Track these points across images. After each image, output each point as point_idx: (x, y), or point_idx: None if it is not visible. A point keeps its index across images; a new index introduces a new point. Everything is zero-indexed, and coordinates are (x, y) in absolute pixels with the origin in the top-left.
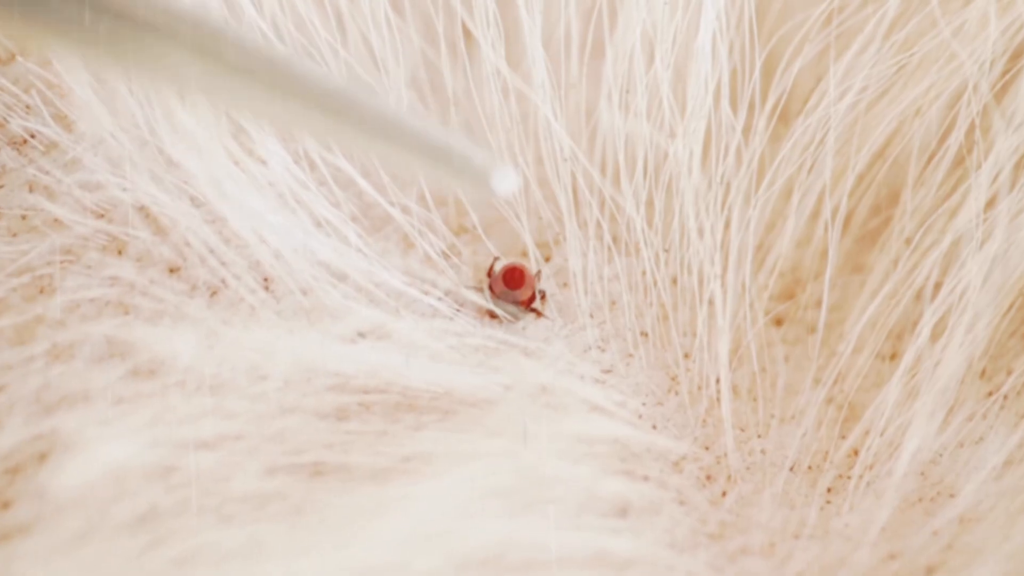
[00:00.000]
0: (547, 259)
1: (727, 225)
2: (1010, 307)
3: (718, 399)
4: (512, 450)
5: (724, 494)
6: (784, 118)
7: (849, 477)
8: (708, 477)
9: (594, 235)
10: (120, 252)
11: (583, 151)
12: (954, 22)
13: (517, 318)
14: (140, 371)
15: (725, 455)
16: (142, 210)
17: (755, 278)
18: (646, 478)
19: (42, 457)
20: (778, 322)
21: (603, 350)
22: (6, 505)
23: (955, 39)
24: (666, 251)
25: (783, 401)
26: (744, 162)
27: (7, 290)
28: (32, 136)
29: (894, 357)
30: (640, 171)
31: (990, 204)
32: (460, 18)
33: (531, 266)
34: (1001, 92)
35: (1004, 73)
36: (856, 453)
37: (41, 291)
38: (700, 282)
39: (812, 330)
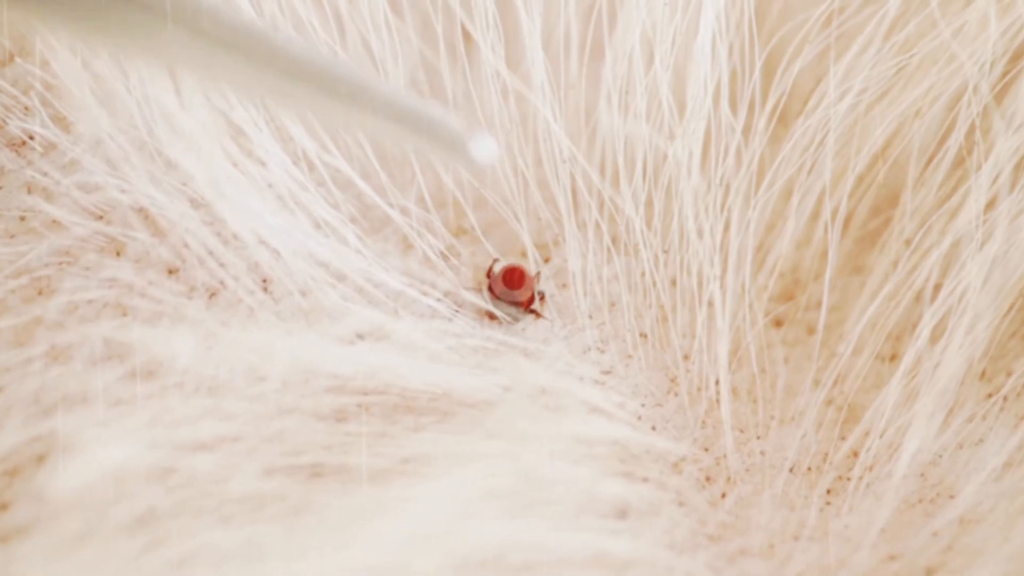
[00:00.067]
0: (546, 260)
1: (727, 226)
2: (1010, 308)
3: (717, 400)
4: (511, 451)
5: (723, 495)
6: (784, 119)
7: (849, 478)
8: (707, 478)
9: (593, 236)
10: (119, 253)
11: (582, 152)
12: (954, 23)
13: (516, 319)
14: (139, 372)
15: (724, 456)
16: (141, 211)
17: (755, 279)
18: (645, 479)
19: (41, 459)
20: (778, 323)
21: (602, 351)
22: (5, 507)
23: (955, 40)
24: (665, 252)
25: (783, 402)
26: (744, 163)
27: (5, 292)
28: (31, 137)
29: (894, 358)
30: (639, 172)
31: (990, 205)
32: (459, 19)
33: (530, 267)
34: (1001, 93)
35: (1004, 74)
36: (856, 454)
37: (39, 293)
38: (699, 283)
39: (812, 331)
